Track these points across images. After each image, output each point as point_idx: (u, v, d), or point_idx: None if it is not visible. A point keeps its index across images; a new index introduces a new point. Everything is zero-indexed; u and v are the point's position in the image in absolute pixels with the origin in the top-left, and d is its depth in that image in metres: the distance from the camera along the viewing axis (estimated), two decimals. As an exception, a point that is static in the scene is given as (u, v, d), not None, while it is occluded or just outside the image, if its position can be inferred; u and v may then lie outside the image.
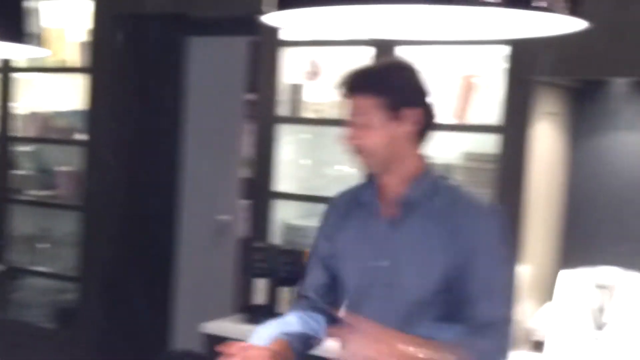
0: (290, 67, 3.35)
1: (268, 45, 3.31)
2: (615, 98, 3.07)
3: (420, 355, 1.82)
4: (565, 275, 2.94)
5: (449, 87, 3.08)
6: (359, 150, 2.01)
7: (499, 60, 2.86)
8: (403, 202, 2.01)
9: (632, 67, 2.63)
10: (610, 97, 3.08)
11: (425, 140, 2.06)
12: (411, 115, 1.97)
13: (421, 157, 2.06)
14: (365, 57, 3.09)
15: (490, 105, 2.94)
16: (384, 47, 3.01)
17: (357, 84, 1.98)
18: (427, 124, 2.03)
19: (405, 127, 1.97)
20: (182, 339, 4.45)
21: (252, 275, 3.16)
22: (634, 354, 2.75)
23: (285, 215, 3.38)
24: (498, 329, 1.93)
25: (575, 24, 1.52)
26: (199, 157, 4.44)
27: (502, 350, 1.94)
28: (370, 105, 1.95)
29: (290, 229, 3.33)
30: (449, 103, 3.06)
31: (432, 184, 2.03)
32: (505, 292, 1.97)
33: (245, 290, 3.27)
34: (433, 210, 1.99)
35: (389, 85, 1.97)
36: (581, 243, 3.13)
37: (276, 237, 3.34)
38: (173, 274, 4.51)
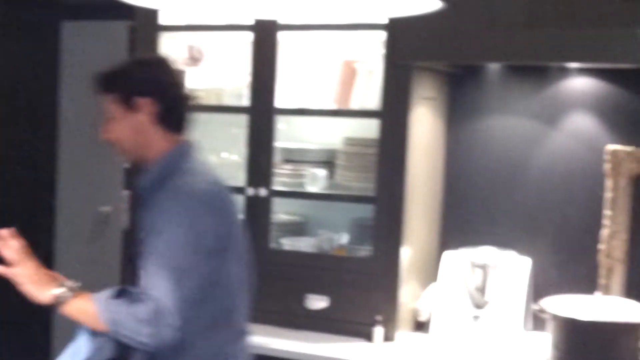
0: (170, 53, 3.26)
1: (146, 29, 3.22)
2: (490, 83, 3.15)
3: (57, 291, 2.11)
4: (448, 257, 3.00)
5: (330, 72, 3.08)
6: (111, 143, 2.24)
7: (378, 45, 2.88)
8: (140, 187, 2.23)
9: (504, 52, 2.69)
10: (485, 81, 3.16)
11: (173, 125, 2.24)
12: (144, 104, 2.18)
13: (170, 142, 2.23)
14: (245, 42, 3.06)
15: (371, 91, 2.96)
16: (263, 32, 2.98)
17: (99, 83, 2.23)
18: (166, 111, 2.20)
19: (142, 116, 2.19)
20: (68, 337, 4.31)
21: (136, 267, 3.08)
22: (511, 330, 2.84)
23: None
24: (146, 304, 2.00)
25: (430, 4, 1.53)
26: (77, 147, 4.30)
27: (140, 323, 2.00)
28: (110, 100, 2.21)
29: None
30: (330, 88, 3.07)
31: (164, 168, 2.18)
32: (166, 272, 2.03)
33: (132, 282, 3.18)
34: (156, 195, 2.14)
35: (120, 81, 2.22)
36: (461, 224, 3.20)
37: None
38: (54, 267, 4.35)
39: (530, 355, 2.71)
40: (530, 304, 2.86)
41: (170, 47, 3.24)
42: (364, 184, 2.94)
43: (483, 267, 2.91)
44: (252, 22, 3.00)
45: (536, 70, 3.05)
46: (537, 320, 2.87)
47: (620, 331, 2.49)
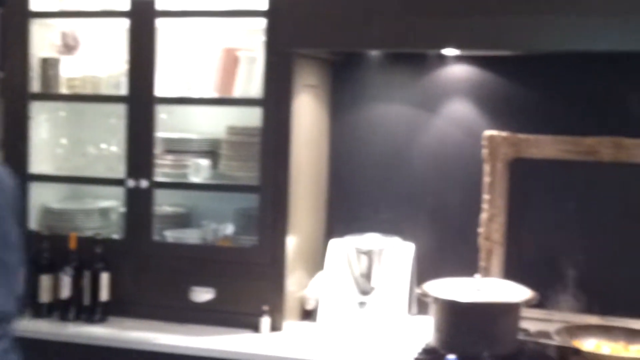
0: (43, 40, 3.13)
1: (16, 16, 3.06)
2: (371, 70, 3.18)
3: None
4: (335, 244, 3.01)
5: (212, 60, 3.02)
6: None
7: (259, 33, 2.84)
8: None
9: (383, 40, 2.71)
10: (366, 69, 3.18)
11: None
12: None
13: None
14: (122, 29, 2.96)
15: (253, 79, 2.92)
16: (140, 18, 2.90)
17: None
18: None
19: None
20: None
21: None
22: (396, 315, 2.88)
23: (44, 199, 3.17)
24: None
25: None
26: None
27: None
28: None
29: (50, 213, 3.13)
30: (212, 77, 3.01)
31: None
32: None
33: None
34: None
35: None
36: (347, 212, 3.22)
37: (35, 222, 3.13)
38: None
39: (414, 338, 2.76)
40: (414, 289, 2.91)
41: (42, 34, 3.11)
42: (248, 174, 2.90)
43: (368, 254, 2.94)
44: (128, 8, 2.91)
45: (416, 58, 3.10)
46: (422, 304, 2.92)
47: (500, 311, 2.56)
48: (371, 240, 2.98)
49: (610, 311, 2.89)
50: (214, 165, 3.01)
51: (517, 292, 2.64)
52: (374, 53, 3.12)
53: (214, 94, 2.99)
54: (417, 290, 2.68)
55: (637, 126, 2.89)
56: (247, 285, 2.86)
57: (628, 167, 2.90)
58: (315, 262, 3.12)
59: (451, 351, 2.52)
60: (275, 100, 2.82)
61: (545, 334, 2.61)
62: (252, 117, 2.89)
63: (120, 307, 2.95)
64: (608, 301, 2.91)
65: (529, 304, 2.59)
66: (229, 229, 3.03)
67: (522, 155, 3.01)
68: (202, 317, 2.89)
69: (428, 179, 3.14)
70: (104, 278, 2.92)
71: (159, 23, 2.91)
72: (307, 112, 2.99)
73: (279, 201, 2.84)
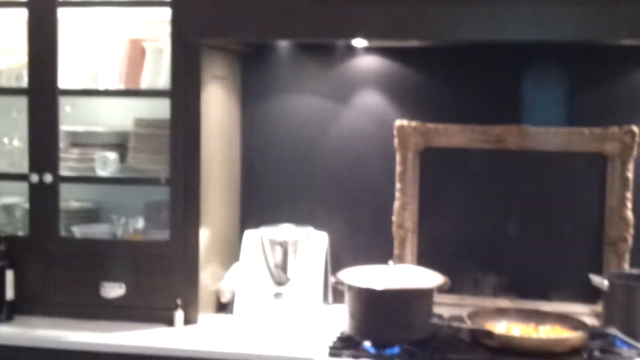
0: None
1: None
2: (281, 61, 3.16)
3: None
4: (249, 236, 2.99)
5: (117, 51, 2.95)
6: None
7: (166, 24, 2.79)
8: None
9: (290, 30, 2.70)
10: (276, 60, 3.16)
11: None
12: None
13: None
14: (22, 20, 2.86)
15: (161, 70, 2.87)
16: (41, 8, 2.80)
17: None
18: None
19: None
20: None
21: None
22: (312, 305, 2.87)
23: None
24: None
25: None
26: None
27: None
28: None
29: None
30: (118, 68, 2.94)
31: None
32: None
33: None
34: None
35: None
36: (261, 203, 3.20)
37: None
38: None
39: (330, 327, 2.76)
40: (329, 278, 2.91)
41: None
42: (158, 166, 2.84)
43: (283, 245, 2.93)
44: (27, -2, 2.82)
45: (326, 49, 3.10)
46: (337, 293, 2.93)
47: (413, 297, 2.59)
48: (285, 231, 2.97)
49: (520, 295, 2.96)
50: (122, 158, 2.94)
51: (429, 278, 2.68)
52: (284, 44, 3.11)
53: (120, 86, 2.92)
54: (332, 279, 2.68)
55: (541, 114, 2.97)
56: (160, 279, 2.81)
57: (533, 154, 2.98)
58: (230, 254, 3.09)
59: (366, 338, 2.53)
60: (184, 91, 2.77)
61: (459, 319, 2.65)
62: (161, 109, 2.84)
63: (27, 305, 2.86)
64: (518, 285, 2.97)
65: (441, 289, 2.63)
66: (140, 223, 2.97)
67: (432, 145, 3.05)
68: (113, 314, 2.82)
69: (341, 169, 3.15)
70: (9, 276, 2.82)
71: (61, 13, 2.83)
72: (217, 104, 2.96)
73: (190, 193, 2.79)
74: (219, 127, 2.98)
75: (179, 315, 2.77)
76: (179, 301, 2.78)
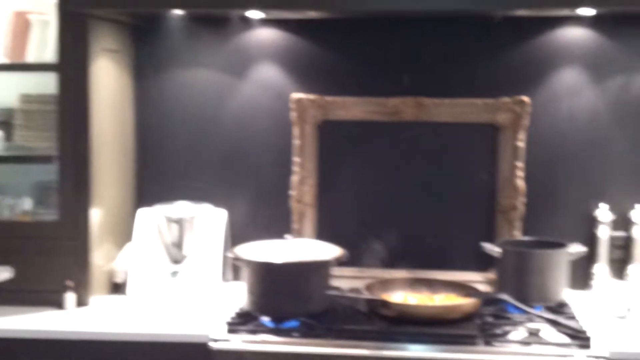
0: None
1: None
2: (175, 34, 3.08)
3: None
4: (143, 214, 2.92)
5: (0, 25, 2.82)
6: None
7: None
8: None
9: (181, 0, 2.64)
10: (169, 33, 3.08)
11: None
12: None
13: None
14: None
15: (48, 43, 2.76)
16: None
17: None
18: None
19: None
20: None
21: None
22: (210, 282, 2.84)
23: None
24: None
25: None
26: None
27: None
28: None
29: None
30: (1, 42, 2.81)
31: None
32: None
33: None
34: None
35: None
36: (157, 180, 3.13)
37: None
38: None
39: (228, 304, 2.73)
40: (228, 255, 2.87)
41: None
42: (46, 144, 2.75)
43: (179, 222, 2.87)
44: None
45: (221, 21, 3.04)
46: (237, 270, 2.90)
47: (311, 270, 2.58)
48: (182, 208, 2.92)
49: (417, 265, 2.99)
50: (8, 136, 2.83)
51: (327, 251, 2.68)
52: (177, 16, 3.03)
53: (4, 60, 2.80)
54: (229, 254, 2.65)
55: (435, 86, 3.00)
56: (49, 261, 2.72)
57: (429, 125, 3.01)
58: (124, 233, 3.01)
59: (264, 313, 2.51)
60: (72, 65, 2.68)
61: (357, 291, 2.66)
62: (48, 84, 2.73)
63: None
64: (415, 256, 3.01)
65: (338, 261, 2.63)
66: (27, 203, 2.86)
67: (330, 118, 3.05)
68: (1, 298, 2.71)
69: (238, 144, 3.11)
70: None
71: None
72: (108, 78, 2.86)
73: (80, 172, 2.71)
74: (111, 103, 2.89)
75: (70, 297, 2.69)
76: (69, 283, 2.69)
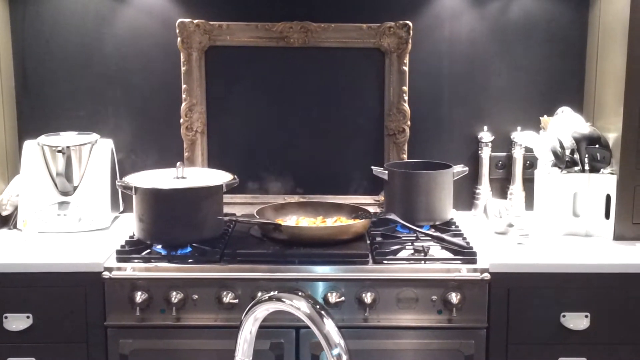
0: None
1: None
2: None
3: None
4: (29, 146, 2.83)
5: None
6: None
7: None
8: None
9: None
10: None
11: None
12: None
13: None
14: None
15: None
16: None
17: None
18: None
19: None
20: None
21: None
22: (99, 213, 2.80)
23: None
24: None
25: None
26: None
27: None
28: None
29: None
30: None
31: None
32: None
33: None
34: None
35: None
36: (41, 111, 3.03)
37: None
38: None
39: (118, 234, 2.70)
40: (117, 184, 2.83)
41: None
42: None
43: (64, 152, 2.80)
44: None
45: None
46: (127, 200, 2.87)
47: (202, 195, 2.55)
48: (67, 138, 2.84)
49: (309, 190, 3.04)
50: None
51: (218, 177, 2.67)
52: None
53: None
54: (118, 183, 2.61)
55: (321, 11, 3.00)
56: None
57: (316, 50, 3.02)
58: (10, 166, 2.92)
59: (156, 241, 2.50)
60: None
61: (249, 216, 2.68)
62: None
63: None
64: (307, 181, 3.06)
65: (229, 186, 2.62)
66: None
67: (217, 43, 3.01)
68: None
69: (124, 72, 3.03)
70: None
71: None
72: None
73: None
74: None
75: (-47, 231, 2.61)
76: (-49, 217, 2.60)
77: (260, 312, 1.26)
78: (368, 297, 2.37)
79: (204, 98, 3.03)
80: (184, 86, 3.00)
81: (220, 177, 2.64)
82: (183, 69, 2.99)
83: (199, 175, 2.68)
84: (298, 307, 1.20)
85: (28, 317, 2.41)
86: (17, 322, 2.41)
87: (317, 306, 1.20)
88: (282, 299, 1.22)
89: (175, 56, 2.99)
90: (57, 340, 2.43)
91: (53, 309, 2.41)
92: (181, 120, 3.02)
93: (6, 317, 2.42)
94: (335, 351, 1.16)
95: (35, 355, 2.43)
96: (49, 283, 2.40)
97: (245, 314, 1.27)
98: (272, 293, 1.24)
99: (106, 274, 2.37)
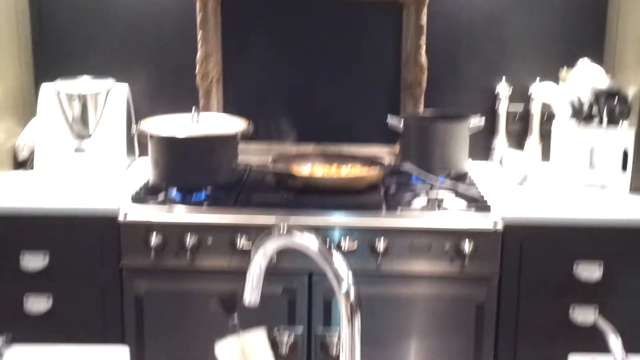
0: None
1: None
2: None
3: None
4: (46, 89, 2.84)
5: None
6: None
7: None
8: None
9: None
10: None
11: None
12: None
13: None
14: None
15: None
16: None
17: None
18: None
19: None
20: None
21: None
22: (115, 157, 2.81)
23: None
24: None
25: None
26: None
27: None
28: None
29: None
30: None
31: None
32: None
33: None
34: None
35: None
36: (57, 55, 3.03)
37: None
38: None
39: (134, 178, 2.72)
40: (133, 130, 2.84)
41: None
42: None
43: (81, 98, 2.81)
44: None
45: None
46: (142, 146, 2.88)
47: (217, 143, 2.57)
48: (84, 83, 2.85)
49: (324, 139, 3.03)
50: None
51: (233, 124, 2.68)
52: None
53: None
54: (134, 129, 2.61)
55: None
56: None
57: (333, 2, 2.98)
58: (26, 109, 2.93)
59: (171, 185, 2.51)
60: None
61: (265, 164, 2.69)
62: None
63: None
64: (322, 130, 3.05)
65: (244, 135, 2.63)
66: None
67: (234, -9, 2.99)
68: None
69: (140, 18, 3.02)
70: None
71: None
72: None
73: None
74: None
75: (-29, 173, 2.63)
76: (-31, 158, 2.63)
77: (270, 245, 1.26)
78: (381, 246, 2.37)
79: (219, 47, 3.02)
80: (199, 34, 2.98)
81: (236, 125, 2.64)
82: (199, 16, 2.97)
83: (215, 122, 2.68)
84: (307, 243, 1.21)
85: (45, 255, 2.44)
86: (35, 261, 2.44)
87: (327, 244, 1.20)
88: (292, 234, 1.23)
89: (191, 3, 2.98)
90: (73, 279, 2.46)
91: (69, 250, 2.44)
92: (197, 69, 3.01)
93: (23, 255, 2.44)
94: (344, 287, 1.17)
95: (52, 292, 2.46)
96: (66, 225, 2.42)
97: (255, 247, 1.27)
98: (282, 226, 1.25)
99: (122, 218, 2.39)
